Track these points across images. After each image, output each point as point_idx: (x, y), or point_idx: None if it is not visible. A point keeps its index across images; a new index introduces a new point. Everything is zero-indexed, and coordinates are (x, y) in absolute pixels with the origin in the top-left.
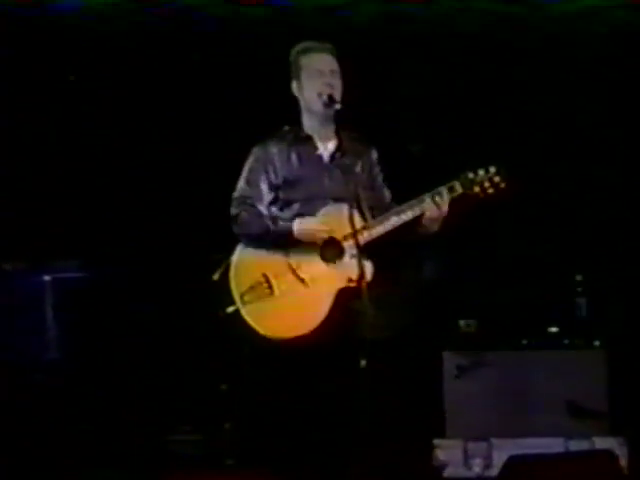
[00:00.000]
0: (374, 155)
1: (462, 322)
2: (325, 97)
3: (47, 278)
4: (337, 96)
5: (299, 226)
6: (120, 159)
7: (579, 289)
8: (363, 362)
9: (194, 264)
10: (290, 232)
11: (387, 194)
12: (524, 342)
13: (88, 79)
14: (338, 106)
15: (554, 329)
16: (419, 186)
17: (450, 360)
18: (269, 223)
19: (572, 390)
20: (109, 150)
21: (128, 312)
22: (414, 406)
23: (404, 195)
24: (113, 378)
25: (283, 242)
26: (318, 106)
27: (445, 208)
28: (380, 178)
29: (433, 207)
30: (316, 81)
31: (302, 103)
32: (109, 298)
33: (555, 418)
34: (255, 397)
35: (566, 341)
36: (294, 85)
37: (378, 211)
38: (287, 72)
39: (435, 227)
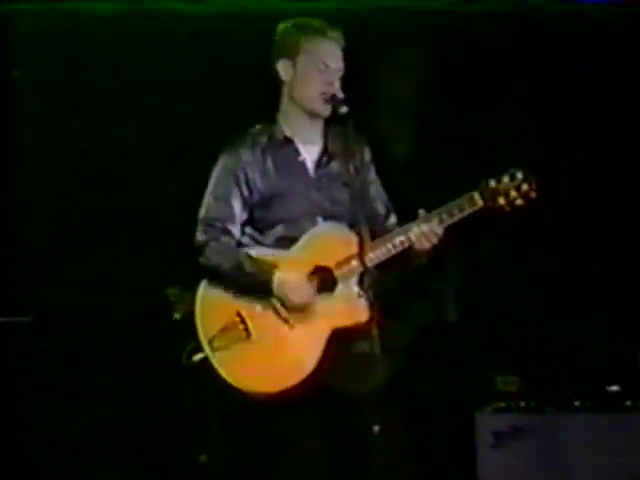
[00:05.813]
0: (367, 156)
1: (500, 378)
2: (328, 97)
3: None
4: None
5: (282, 278)
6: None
7: None
8: (376, 428)
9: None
10: (270, 282)
11: (381, 207)
12: (577, 403)
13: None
14: (345, 109)
15: (614, 387)
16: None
17: (485, 425)
18: (245, 262)
19: (637, 463)
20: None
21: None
22: None
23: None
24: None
25: (260, 289)
26: (314, 106)
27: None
28: (374, 186)
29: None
30: (318, 76)
31: (286, 91)
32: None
33: None
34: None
35: (629, 402)
36: (282, 66)
37: (371, 227)
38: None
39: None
